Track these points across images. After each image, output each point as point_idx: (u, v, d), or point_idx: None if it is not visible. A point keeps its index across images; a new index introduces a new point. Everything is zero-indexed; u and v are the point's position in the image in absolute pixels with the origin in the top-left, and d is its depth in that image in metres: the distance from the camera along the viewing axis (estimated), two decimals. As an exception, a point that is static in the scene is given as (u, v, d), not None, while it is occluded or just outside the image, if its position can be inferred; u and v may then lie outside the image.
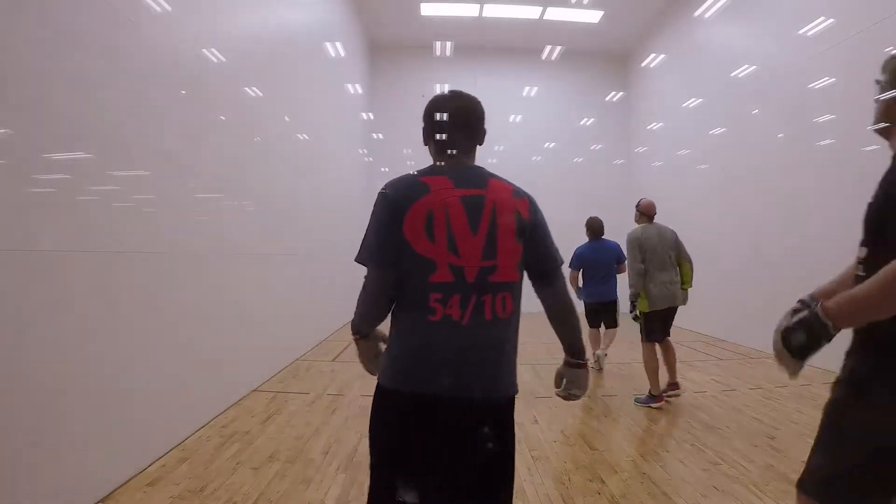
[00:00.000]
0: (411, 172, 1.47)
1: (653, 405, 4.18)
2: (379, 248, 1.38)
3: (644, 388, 4.39)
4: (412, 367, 1.35)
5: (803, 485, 1.36)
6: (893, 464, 1.19)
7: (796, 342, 1.30)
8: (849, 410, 1.30)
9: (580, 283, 5.68)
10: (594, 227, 5.65)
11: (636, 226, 4.49)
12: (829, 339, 1.27)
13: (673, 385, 4.35)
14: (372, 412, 1.41)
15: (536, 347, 7.18)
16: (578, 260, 5.60)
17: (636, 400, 4.34)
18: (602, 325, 5.71)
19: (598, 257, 5.57)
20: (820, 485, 1.30)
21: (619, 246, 5.55)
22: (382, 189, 1.42)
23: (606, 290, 5.59)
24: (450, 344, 1.35)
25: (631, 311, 4.32)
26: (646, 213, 4.50)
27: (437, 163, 1.54)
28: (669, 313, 4.33)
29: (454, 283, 1.35)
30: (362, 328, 1.53)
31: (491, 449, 1.39)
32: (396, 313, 1.41)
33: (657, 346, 4.34)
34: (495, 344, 1.39)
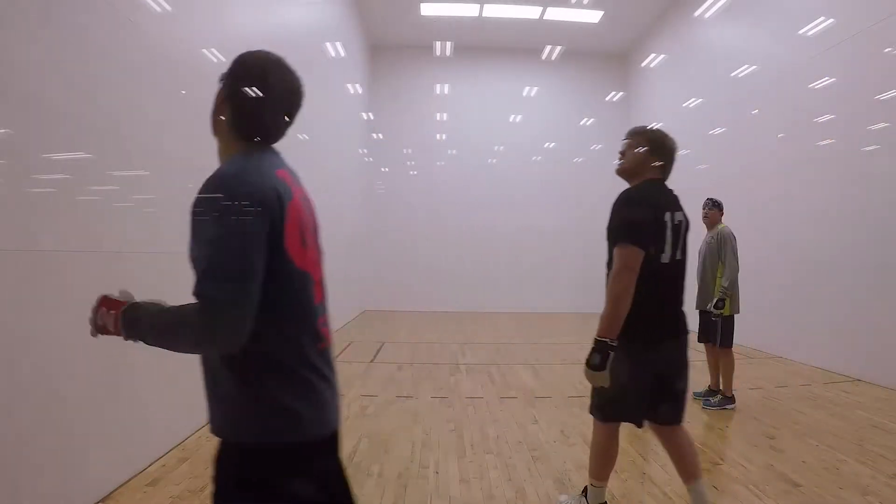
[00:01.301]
0: (250, 158, 1.15)
1: (727, 406, 4.20)
2: (256, 272, 1.02)
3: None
4: (317, 409, 1.11)
5: (592, 411, 2.25)
6: (629, 393, 2.07)
7: (594, 361, 2.01)
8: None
9: None
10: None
11: (720, 224, 4.40)
12: (612, 349, 2.00)
13: (716, 391, 4.34)
14: (263, 487, 1.04)
15: (537, 348, 7.18)
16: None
17: (705, 405, 4.27)
18: None
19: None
20: (597, 408, 2.21)
21: None
22: (242, 185, 1.05)
23: None
24: (332, 371, 1.20)
25: (718, 308, 4.18)
26: (723, 211, 4.38)
27: (262, 148, 1.25)
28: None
29: (324, 302, 1.19)
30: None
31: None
32: (267, 344, 1.06)
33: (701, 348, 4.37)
34: None
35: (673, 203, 2.19)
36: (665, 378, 2.14)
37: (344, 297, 9.18)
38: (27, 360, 2.07)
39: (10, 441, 1.98)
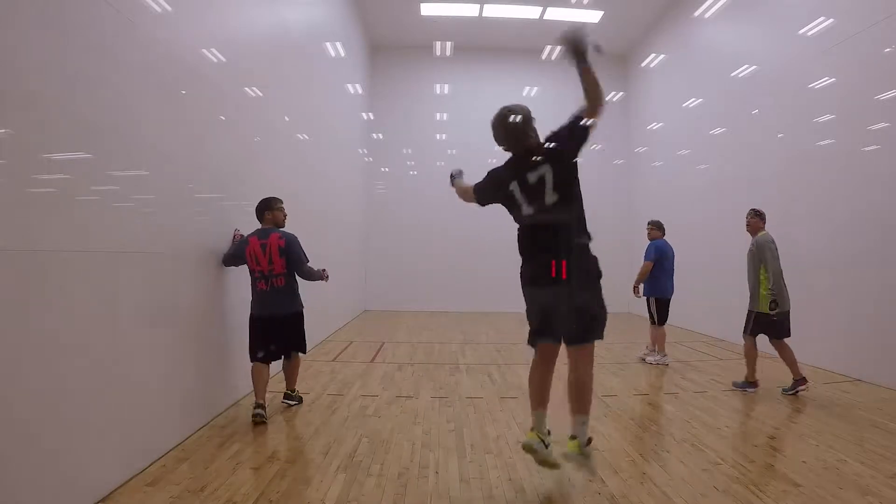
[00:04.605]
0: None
1: (748, 390, 4.63)
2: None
3: (643, 387, 4.38)
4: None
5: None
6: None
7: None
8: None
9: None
10: (663, 226, 6.10)
11: (761, 232, 4.84)
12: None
13: (799, 381, 4.53)
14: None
15: (536, 347, 7.18)
16: (657, 251, 5.90)
17: (734, 384, 4.74)
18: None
19: (671, 253, 5.94)
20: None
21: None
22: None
23: (674, 286, 5.94)
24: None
25: (772, 309, 4.54)
26: (764, 220, 4.84)
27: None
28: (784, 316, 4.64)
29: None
30: None
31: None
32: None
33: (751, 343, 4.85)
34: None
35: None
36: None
37: (344, 297, 9.18)
38: (27, 360, 2.07)
39: (10, 441, 1.98)
